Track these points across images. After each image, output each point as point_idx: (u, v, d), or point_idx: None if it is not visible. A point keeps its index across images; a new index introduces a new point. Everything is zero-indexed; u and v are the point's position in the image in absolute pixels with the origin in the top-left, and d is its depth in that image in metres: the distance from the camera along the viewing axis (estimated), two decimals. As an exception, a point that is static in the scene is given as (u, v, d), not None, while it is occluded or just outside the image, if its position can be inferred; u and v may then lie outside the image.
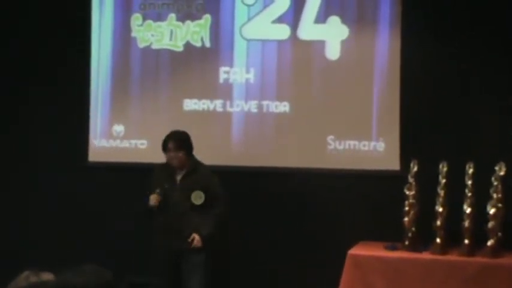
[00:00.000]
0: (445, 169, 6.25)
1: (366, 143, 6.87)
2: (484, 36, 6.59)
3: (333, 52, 6.94)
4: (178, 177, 6.28)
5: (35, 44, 7.34)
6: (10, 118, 7.41)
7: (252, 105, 7.06)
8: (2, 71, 7.41)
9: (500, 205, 6.11)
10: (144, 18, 7.20)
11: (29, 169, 7.36)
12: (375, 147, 6.86)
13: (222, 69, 7.09)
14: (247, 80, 7.06)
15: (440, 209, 6.20)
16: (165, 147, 6.28)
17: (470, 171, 6.18)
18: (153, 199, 6.21)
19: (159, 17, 7.19)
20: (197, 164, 6.32)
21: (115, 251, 7.01)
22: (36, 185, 7.33)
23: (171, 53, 7.18)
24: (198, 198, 6.15)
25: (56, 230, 7.25)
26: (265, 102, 7.04)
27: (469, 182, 6.16)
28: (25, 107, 7.38)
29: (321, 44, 6.95)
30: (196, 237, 6.13)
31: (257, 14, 7.04)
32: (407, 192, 6.33)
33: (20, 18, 7.38)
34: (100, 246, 7.08)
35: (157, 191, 6.22)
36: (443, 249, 6.16)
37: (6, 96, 7.41)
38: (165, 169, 6.34)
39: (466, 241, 6.11)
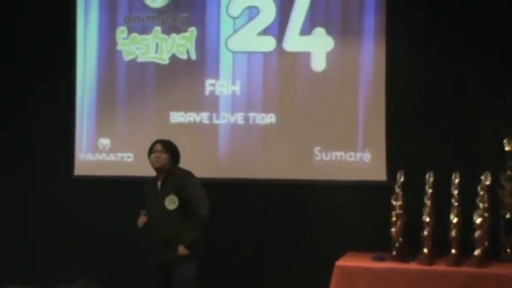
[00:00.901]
0: (431, 179, 6.27)
1: (353, 153, 6.88)
2: (470, 45, 6.62)
3: (318, 63, 6.96)
4: (159, 184, 6.30)
5: (20, 58, 7.32)
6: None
7: (239, 117, 7.06)
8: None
9: (486, 215, 6.12)
10: (130, 31, 7.21)
11: (14, 183, 7.33)
12: (361, 158, 6.87)
13: (208, 81, 7.10)
14: (233, 92, 7.07)
15: (427, 219, 6.21)
16: (151, 149, 6.31)
17: (457, 181, 6.20)
18: (140, 222, 6.28)
19: (145, 30, 7.20)
20: (175, 170, 6.32)
21: (102, 263, 6.99)
22: (21, 198, 7.30)
23: (156, 65, 7.19)
24: (171, 203, 6.14)
25: (42, 244, 7.22)
26: (251, 114, 7.05)
27: (455, 192, 6.17)
28: (9, 121, 7.35)
29: (307, 55, 6.97)
30: (181, 248, 6.11)
31: (242, 26, 7.06)
32: (394, 203, 6.34)
33: (5, 33, 7.36)
34: (87, 260, 7.05)
35: (143, 212, 6.25)
36: (431, 259, 6.16)
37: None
38: (151, 182, 6.35)
39: (453, 251, 6.12)
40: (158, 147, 6.31)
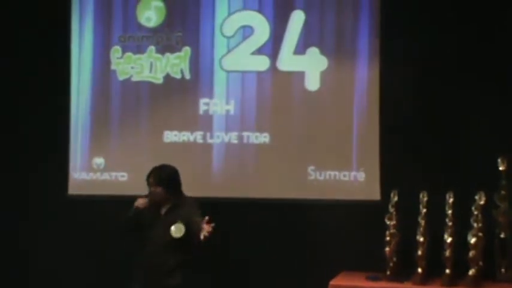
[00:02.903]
0: (425, 199, 6.28)
1: (347, 173, 6.89)
2: (465, 64, 6.64)
3: (312, 83, 6.97)
4: (163, 212, 6.22)
5: (13, 77, 7.32)
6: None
7: (232, 137, 7.06)
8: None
9: (480, 234, 6.13)
10: (124, 51, 7.21)
11: (8, 202, 7.31)
12: (355, 177, 6.87)
13: (202, 100, 7.10)
14: (227, 111, 7.08)
15: (421, 239, 6.22)
16: (147, 181, 6.25)
17: (451, 200, 6.21)
18: (140, 200, 6.13)
19: (139, 50, 7.21)
20: (183, 199, 6.24)
21: (95, 282, 6.96)
22: (15, 217, 7.27)
23: (151, 85, 7.19)
24: (178, 230, 6.00)
25: (36, 262, 7.19)
26: (245, 134, 7.06)
27: (449, 212, 6.19)
28: (4, 140, 7.34)
29: (301, 75, 6.98)
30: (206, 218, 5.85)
31: (236, 45, 7.07)
32: (388, 222, 6.35)
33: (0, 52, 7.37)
34: (80, 279, 7.03)
35: (147, 196, 6.15)
36: (425, 279, 6.16)
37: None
38: (151, 206, 6.26)
39: (447, 271, 6.12)
40: (151, 180, 6.18)
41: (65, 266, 7.14)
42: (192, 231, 5.98)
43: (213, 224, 5.78)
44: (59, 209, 7.19)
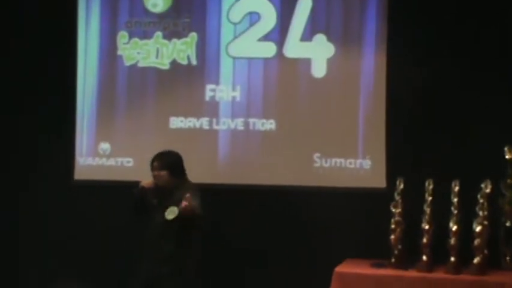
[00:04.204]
0: (431, 186, 6.27)
1: (352, 160, 6.88)
2: (471, 52, 6.62)
3: (319, 70, 6.96)
4: (164, 197, 6.22)
5: (20, 62, 7.32)
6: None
7: (238, 123, 7.06)
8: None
9: (486, 223, 6.12)
10: (130, 36, 7.21)
11: (14, 187, 7.32)
12: (361, 165, 6.87)
13: (208, 87, 7.10)
14: (233, 97, 7.07)
15: (427, 227, 6.21)
16: (151, 165, 6.26)
17: (456, 188, 6.20)
18: (145, 181, 6.14)
19: (145, 35, 7.20)
20: (184, 183, 6.24)
21: (99, 269, 6.98)
22: (21, 202, 7.29)
23: (157, 71, 7.19)
24: (171, 213, 5.96)
25: (41, 247, 7.21)
26: (251, 120, 7.05)
27: (455, 200, 6.17)
28: (11, 125, 7.35)
29: (307, 61, 6.97)
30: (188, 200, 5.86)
31: (243, 32, 7.06)
32: (393, 210, 6.34)
33: (7, 36, 7.36)
34: (84, 264, 7.05)
35: (153, 180, 6.15)
36: (430, 266, 6.16)
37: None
38: (157, 188, 6.25)
39: (452, 259, 6.12)
40: (155, 164, 6.20)
41: (70, 251, 7.16)
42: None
43: (192, 202, 5.77)
44: (65, 194, 7.21)
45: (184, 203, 5.83)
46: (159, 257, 6.06)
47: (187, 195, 5.86)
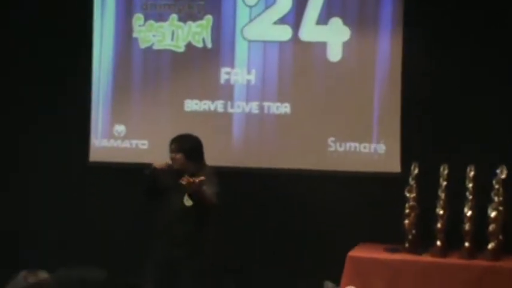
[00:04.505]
0: (445, 171, 6.25)
1: (367, 145, 6.86)
2: (487, 37, 6.58)
3: (334, 54, 6.93)
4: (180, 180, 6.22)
5: (36, 44, 7.34)
6: (11, 118, 7.41)
7: (253, 106, 7.05)
8: (3, 72, 7.41)
9: (501, 208, 6.10)
10: (146, 19, 7.20)
11: (29, 169, 7.36)
12: (375, 150, 6.85)
13: (223, 70, 7.09)
14: (248, 81, 7.06)
15: (441, 212, 6.20)
16: (170, 147, 6.25)
17: (471, 173, 6.17)
18: (158, 162, 6.14)
19: (161, 18, 7.19)
20: (202, 168, 6.23)
21: (113, 250, 7.01)
22: (36, 184, 7.33)
23: (172, 53, 7.18)
24: (189, 199, 6.02)
25: (56, 229, 7.24)
26: (266, 104, 7.04)
27: (470, 185, 6.15)
28: (26, 106, 7.38)
29: (323, 45, 6.94)
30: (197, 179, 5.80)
31: (258, 15, 7.04)
32: (408, 195, 6.33)
33: (22, 19, 7.37)
34: (98, 246, 7.08)
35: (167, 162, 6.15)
36: (444, 251, 6.15)
37: (6, 96, 7.41)
38: (172, 171, 6.25)
39: (467, 244, 6.11)
40: (173, 147, 6.16)
41: (83, 233, 7.19)
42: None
43: (191, 179, 5.72)
44: (80, 176, 7.23)
45: (186, 179, 5.76)
46: (176, 240, 6.06)
47: (201, 178, 5.81)
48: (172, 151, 6.19)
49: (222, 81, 7.09)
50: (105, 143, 7.25)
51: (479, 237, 6.08)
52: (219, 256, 6.25)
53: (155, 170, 6.14)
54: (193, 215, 6.03)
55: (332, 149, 6.92)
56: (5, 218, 7.32)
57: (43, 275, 3.36)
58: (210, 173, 6.16)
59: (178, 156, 6.15)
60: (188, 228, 6.04)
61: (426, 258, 6.14)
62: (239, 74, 7.07)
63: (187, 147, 6.16)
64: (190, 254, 6.04)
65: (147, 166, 6.19)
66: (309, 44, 6.97)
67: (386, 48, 6.83)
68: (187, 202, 5.98)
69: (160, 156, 6.38)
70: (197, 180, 5.76)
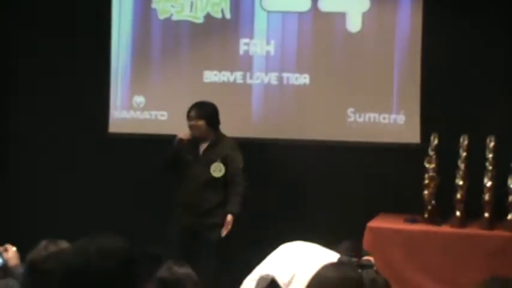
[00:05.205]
0: (465, 142, 6.22)
1: (386, 115, 6.84)
2: (510, 4, 6.50)
3: (353, 24, 6.89)
4: (201, 150, 6.25)
5: (55, 15, 7.34)
6: (30, 89, 7.44)
7: (272, 78, 7.04)
8: (24, 42, 7.43)
9: (521, 179, 6.08)
10: (165, -11, 7.18)
11: (48, 139, 7.39)
12: (395, 120, 6.83)
13: (242, 41, 7.07)
14: (267, 52, 7.04)
15: (461, 182, 6.18)
16: (188, 115, 6.27)
17: (491, 144, 6.15)
18: (183, 133, 6.16)
19: (179, -12, 7.17)
20: (221, 137, 6.27)
21: (132, 220, 7.05)
22: (55, 155, 7.37)
23: (191, 24, 7.16)
24: (217, 170, 6.06)
25: (76, 199, 7.29)
26: (285, 75, 7.02)
27: (490, 156, 6.13)
28: (45, 78, 7.40)
29: (342, 16, 6.90)
30: (229, 217, 6.04)
31: (278, -15, 7.01)
32: (427, 165, 6.31)
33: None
34: (117, 216, 7.12)
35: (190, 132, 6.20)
36: (463, 222, 6.15)
37: (24, 66, 7.43)
38: (191, 141, 6.29)
39: (486, 214, 6.10)
40: (192, 113, 6.20)
41: (104, 204, 7.23)
42: (234, 173, 6.05)
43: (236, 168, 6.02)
44: (100, 147, 7.26)
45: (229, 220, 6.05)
46: (201, 210, 6.10)
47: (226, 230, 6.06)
48: (192, 119, 6.19)
49: (241, 52, 7.08)
50: (124, 114, 7.27)
51: (499, 208, 6.06)
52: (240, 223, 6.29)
53: (181, 141, 6.16)
54: (222, 185, 6.07)
55: (351, 119, 6.90)
56: (24, 188, 7.37)
57: (64, 244, 3.38)
58: (233, 148, 6.19)
59: (200, 123, 6.17)
60: (216, 197, 6.08)
61: (445, 228, 6.14)
62: (258, 45, 7.04)
63: (208, 113, 6.19)
64: (216, 222, 6.09)
65: (169, 138, 6.21)
66: (328, 15, 6.93)
67: (406, 18, 6.78)
68: (216, 173, 6.01)
69: (179, 128, 6.40)
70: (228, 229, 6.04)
